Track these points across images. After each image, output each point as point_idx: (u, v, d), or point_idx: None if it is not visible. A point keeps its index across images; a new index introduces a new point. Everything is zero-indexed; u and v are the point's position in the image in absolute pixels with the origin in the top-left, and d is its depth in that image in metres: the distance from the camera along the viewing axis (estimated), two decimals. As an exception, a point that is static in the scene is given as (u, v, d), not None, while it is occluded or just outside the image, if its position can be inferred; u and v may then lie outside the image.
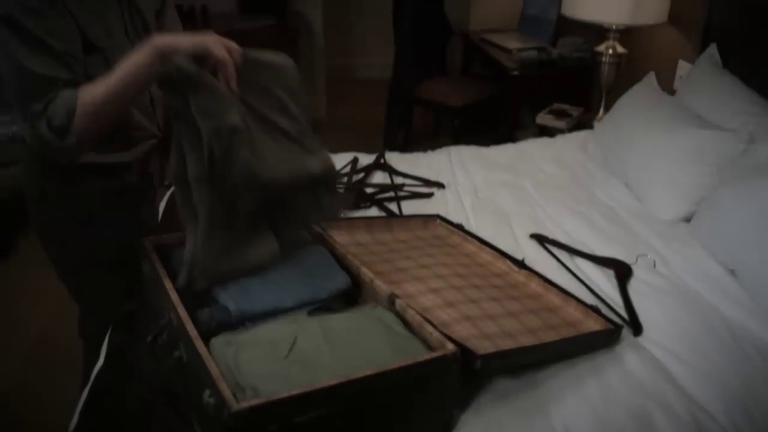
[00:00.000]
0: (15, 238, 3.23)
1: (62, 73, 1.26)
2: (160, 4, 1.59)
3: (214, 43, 1.21)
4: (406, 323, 1.24)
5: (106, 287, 1.67)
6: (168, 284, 1.23)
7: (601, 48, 2.79)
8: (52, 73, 1.25)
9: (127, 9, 1.45)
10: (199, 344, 1.07)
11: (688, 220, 1.93)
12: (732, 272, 1.69)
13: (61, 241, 1.63)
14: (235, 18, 4.34)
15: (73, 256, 1.64)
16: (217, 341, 1.12)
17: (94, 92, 1.25)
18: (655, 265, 1.74)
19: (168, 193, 2.14)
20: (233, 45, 1.26)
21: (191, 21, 4.43)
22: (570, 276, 1.70)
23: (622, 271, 1.71)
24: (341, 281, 1.35)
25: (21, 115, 1.28)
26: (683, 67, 2.59)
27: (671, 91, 2.50)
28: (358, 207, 2.07)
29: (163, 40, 1.22)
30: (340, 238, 1.65)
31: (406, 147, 3.77)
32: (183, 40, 1.21)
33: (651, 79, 2.48)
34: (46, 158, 1.39)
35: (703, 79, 2.27)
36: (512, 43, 3.77)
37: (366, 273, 1.38)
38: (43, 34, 1.24)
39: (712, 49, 2.31)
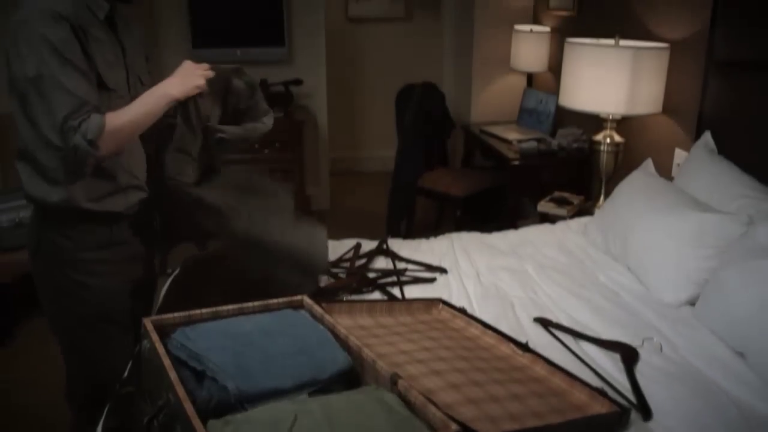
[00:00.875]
0: (16, 325, 3.21)
1: (92, 99, 1.54)
2: (147, 68, 1.89)
3: (200, 79, 1.71)
4: (408, 404, 1.21)
5: (96, 343, 1.75)
6: (167, 363, 1.21)
7: (599, 137, 2.86)
8: (86, 96, 1.53)
9: (128, 67, 1.74)
10: (197, 424, 1.05)
11: (692, 303, 1.92)
12: (740, 354, 1.66)
13: (54, 290, 1.73)
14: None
15: (65, 307, 1.73)
16: (214, 423, 1.09)
17: (120, 119, 1.58)
18: (661, 349, 1.72)
19: (169, 280, 2.15)
20: (205, 70, 1.73)
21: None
22: (575, 359, 1.68)
23: (628, 355, 1.68)
24: (342, 361, 1.33)
25: (55, 129, 1.52)
26: (680, 155, 2.64)
27: (669, 178, 2.54)
28: (360, 292, 2.07)
29: (175, 88, 1.67)
30: (342, 320, 1.64)
31: (408, 236, 3.80)
32: (186, 88, 1.68)
33: (648, 165, 2.53)
34: (45, 210, 1.67)
35: (700, 165, 2.32)
36: (512, 135, 3.87)
37: (368, 354, 1.36)
38: (78, 62, 1.53)
39: (707, 137, 2.37)
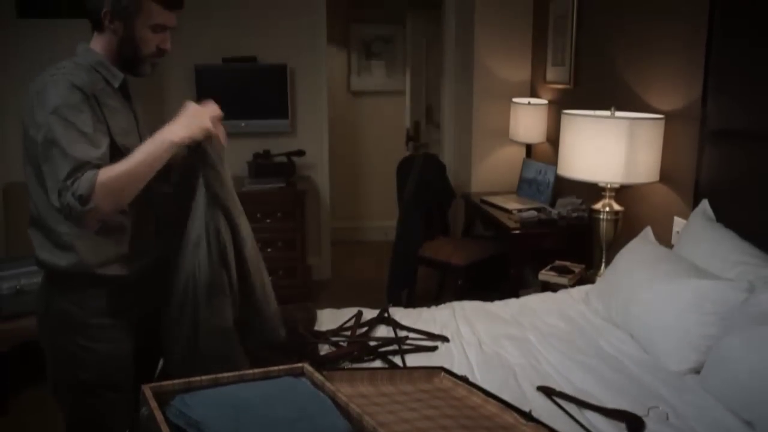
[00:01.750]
0: (14, 395, 3.16)
1: (93, 158, 1.53)
2: None
3: (206, 121, 1.66)
4: (409, 473, 1.18)
5: (99, 409, 1.74)
6: (165, 431, 1.20)
7: (598, 206, 2.89)
8: (86, 158, 1.52)
9: (141, 134, 1.78)
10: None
11: (697, 370, 1.90)
12: (748, 424, 1.63)
13: (60, 355, 1.72)
14: (245, 180, 4.53)
15: (70, 372, 1.73)
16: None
17: (114, 170, 1.53)
18: (668, 418, 1.69)
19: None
20: (214, 110, 1.72)
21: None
22: (580, 429, 1.65)
23: (634, 425, 1.65)
24: (343, 429, 1.31)
25: (54, 192, 1.52)
26: (679, 223, 2.66)
27: (669, 246, 2.55)
28: (361, 360, 2.05)
29: (176, 134, 1.60)
30: (343, 388, 1.62)
31: (410, 305, 3.78)
32: (191, 132, 1.62)
33: (648, 233, 2.55)
34: (55, 275, 1.68)
35: (699, 233, 2.33)
36: (512, 204, 3.90)
37: (369, 422, 1.34)
38: (81, 125, 1.55)
39: (704, 205, 2.40)
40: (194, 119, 1.65)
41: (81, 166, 1.51)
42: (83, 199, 1.48)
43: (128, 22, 1.67)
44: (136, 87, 1.84)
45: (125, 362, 1.78)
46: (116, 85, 1.72)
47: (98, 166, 1.53)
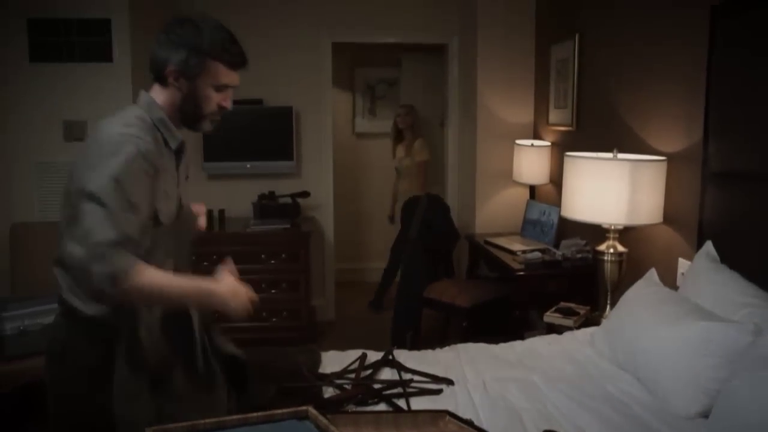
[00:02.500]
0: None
1: (134, 232, 1.53)
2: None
3: (247, 305, 1.69)
4: None
5: None
6: (167, 475, 1.19)
7: (602, 247, 2.89)
8: (128, 232, 1.52)
9: (180, 196, 1.81)
10: None
11: (705, 415, 1.88)
12: (758, 469, 1.60)
13: (70, 397, 1.69)
14: (250, 221, 4.56)
15: (78, 414, 1.69)
16: None
17: (154, 279, 1.55)
18: (675, 463, 1.66)
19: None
20: (252, 295, 1.72)
21: (209, 222, 4.67)
22: (587, 474, 1.62)
23: (641, 470, 1.63)
24: (347, 474, 1.30)
25: (83, 246, 1.49)
26: (683, 264, 2.66)
27: (674, 287, 2.55)
28: (366, 403, 2.03)
29: (219, 304, 1.65)
30: (347, 432, 1.61)
31: (414, 347, 3.76)
32: (233, 309, 1.66)
33: (652, 274, 2.55)
34: (77, 317, 1.64)
35: (703, 275, 2.33)
36: (516, 246, 3.91)
37: (373, 466, 1.33)
38: (135, 196, 1.55)
39: (708, 246, 2.40)
40: (239, 300, 1.68)
41: (122, 242, 1.50)
42: (113, 280, 1.47)
43: (193, 81, 1.69)
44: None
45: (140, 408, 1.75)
46: (173, 147, 1.74)
47: (137, 248, 1.53)
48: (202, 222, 2.04)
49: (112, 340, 1.67)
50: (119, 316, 1.65)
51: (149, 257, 1.60)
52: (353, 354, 2.46)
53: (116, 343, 1.67)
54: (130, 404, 1.69)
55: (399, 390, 2.13)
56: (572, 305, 3.14)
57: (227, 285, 1.68)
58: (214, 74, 1.69)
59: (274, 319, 4.42)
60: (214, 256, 4.32)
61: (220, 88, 1.72)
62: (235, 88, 1.76)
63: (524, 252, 3.72)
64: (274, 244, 4.40)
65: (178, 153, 1.79)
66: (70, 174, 1.62)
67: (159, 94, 1.73)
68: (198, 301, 1.68)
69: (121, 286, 1.48)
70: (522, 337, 2.85)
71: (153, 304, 1.65)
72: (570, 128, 3.97)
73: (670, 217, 2.78)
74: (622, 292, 2.60)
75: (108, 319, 1.65)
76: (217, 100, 1.74)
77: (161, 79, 1.71)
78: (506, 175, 4.56)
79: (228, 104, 1.77)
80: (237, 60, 1.73)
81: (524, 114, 4.66)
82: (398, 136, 5.48)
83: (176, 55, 1.66)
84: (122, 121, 1.62)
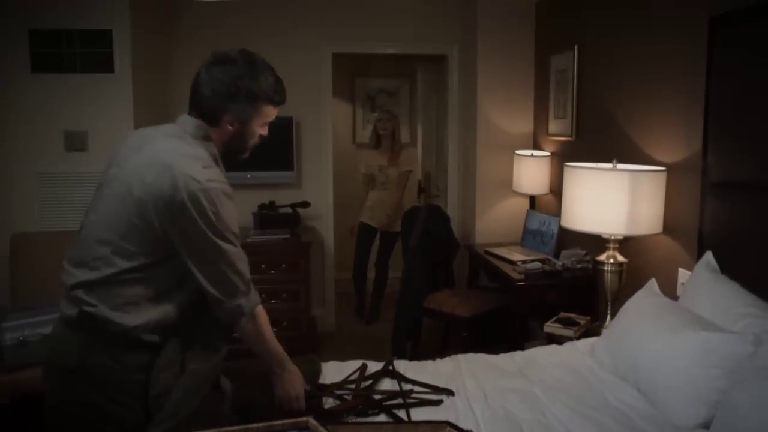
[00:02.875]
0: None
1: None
2: None
3: (300, 404, 1.97)
4: None
5: None
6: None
7: (603, 257, 2.89)
8: (248, 274, 1.84)
9: None
10: None
11: (706, 425, 1.87)
12: (759, 481, 1.60)
13: (78, 411, 1.70)
14: (250, 231, 4.56)
15: (93, 425, 1.70)
16: None
17: (264, 328, 1.93)
18: (676, 474, 1.66)
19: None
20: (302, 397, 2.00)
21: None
22: (588, 486, 1.62)
23: (642, 481, 1.62)
24: (347, 486, 1.30)
25: (225, 292, 1.78)
26: (683, 274, 2.66)
27: (674, 297, 2.55)
28: (366, 414, 2.03)
29: (289, 375, 1.99)
30: (347, 443, 1.61)
31: (414, 358, 3.76)
32: (290, 385, 1.98)
33: (652, 285, 2.55)
34: (96, 331, 1.68)
35: (704, 285, 2.33)
36: (516, 256, 3.91)
37: (373, 478, 1.33)
38: (237, 239, 1.81)
39: (708, 256, 2.40)
40: (297, 387, 1.99)
41: (249, 282, 1.83)
42: (246, 314, 1.82)
43: (246, 123, 1.83)
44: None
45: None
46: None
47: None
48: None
49: (132, 346, 1.71)
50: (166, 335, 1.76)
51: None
52: (353, 364, 2.46)
53: (135, 350, 1.72)
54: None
55: (399, 401, 2.13)
56: (572, 315, 3.14)
57: (297, 371, 2.00)
58: (265, 115, 1.87)
59: (273, 329, 4.37)
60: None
61: (266, 125, 1.90)
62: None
63: (524, 262, 3.72)
64: (275, 254, 4.40)
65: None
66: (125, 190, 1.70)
67: (210, 131, 1.81)
68: (273, 363, 1.96)
69: (245, 319, 1.83)
70: (522, 348, 2.84)
71: (252, 344, 1.91)
72: (570, 138, 3.98)
73: (670, 227, 2.78)
74: (622, 303, 2.60)
75: (135, 331, 1.69)
76: (259, 133, 1.90)
77: (214, 123, 1.80)
78: (506, 186, 4.57)
79: (266, 132, 1.93)
80: (284, 100, 1.91)
81: (524, 124, 4.68)
82: (377, 143, 5.25)
83: (234, 105, 1.78)
84: (197, 166, 1.70)
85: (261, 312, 1.88)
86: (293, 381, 1.98)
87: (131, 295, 1.69)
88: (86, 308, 1.67)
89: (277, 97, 1.86)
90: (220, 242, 1.71)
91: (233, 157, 1.90)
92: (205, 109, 1.78)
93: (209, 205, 1.67)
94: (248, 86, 1.77)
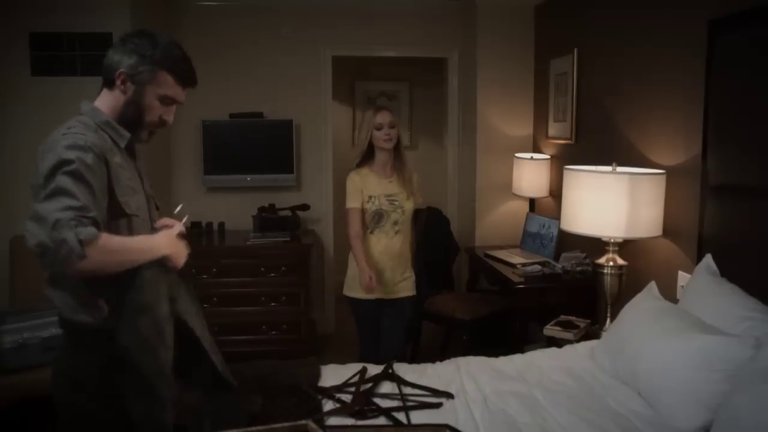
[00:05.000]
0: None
1: (93, 212, 1.54)
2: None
3: (183, 255, 1.75)
4: None
5: None
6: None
7: (602, 260, 2.89)
8: (90, 204, 1.54)
9: (146, 192, 1.84)
10: None
11: (706, 429, 1.87)
12: (759, 484, 1.60)
13: (76, 415, 1.69)
14: (249, 234, 4.56)
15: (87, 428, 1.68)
16: None
17: (112, 241, 1.57)
18: (677, 478, 1.65)
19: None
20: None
21: (209, 235, 4.68)
22: (588, 489, 1.61)
23: (642, 484, 1.62)
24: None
25: (50, 223, 1.48)
26: (683, 277, 2.66)
27: (674, 301, 2.54)
28: (365, 417, 2.03)
29: (167, 249, 1.69)
30: (347, 446, 1.60)
31: (414, 361, 3.75)
32: (174, 256, 1.71)
33: (652, 288, 2.54)
34: (79, 332, 1.66)
35: (703, 288, 2.33)
36: (516, 259, 3.91)
37: (372, 481, 1.32)
38: (91, 179, 1.57)
39: (708, 260, 2.40)
40: (179, 249, 1.75)
41: (88, 211, 1.52)
42: (82, 245, 1.48)
43: (140, 87, 1.73)
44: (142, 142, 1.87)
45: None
46: (122, 144, 1.75)
47: (97, 222, 1.54)
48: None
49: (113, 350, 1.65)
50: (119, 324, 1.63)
51: None
52: (353, 367, 2.45)
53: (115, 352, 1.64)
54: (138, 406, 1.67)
55: (399, 404, 2.12)
56: (572, 318, 3.14)
57: (163, 236, 1.73)
58: (161, 84, 1.73)
59: (273, 332, 4.40)
60: (214, 269, 4.32)
61: (165, 100, 1.76)
62: (179, 105, 1.80)
63: (524, 265, 3.72)
64: (274, 257, 4.39)
65: (131, 152, 1.82)
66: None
67: (103, 99, 1.77)
68: (149, 253, 1.66)
69: (89, 254, 1.48)
70: (522, 351, 2.84)
71: (111, 266, 1.58)
72: (569, 141, 3.98)
73: (669, 230, 2.78)
74: (622, 305, 2.60)
75: (108, 323, 1.64)
76: (159, 112, 1.77)
77: (109, 83, 1.75)
78: (506, 188, 4.57)
79: (170, 119, 1.80)
80: (186, 76, 1.77)
81: (524, 127, 4.68)
82: (369, 155, 3.32)
83: (128, 60, 1.71)
84: (63, 128, 1.66)
85: (103, 237, 1.54)
86: (164, 245, 1.71)
87: (85, 290, 1.68)
88: (61, 313, 1.72)
89: (178, 69, 1.75)
90: (63, 179, 1.54)
91: (131, 130, 1.76)
92: (103, 71, 1.76)
93: (66, 150, 1.58)
94: (146, 45, 1.72)
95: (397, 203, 3.24)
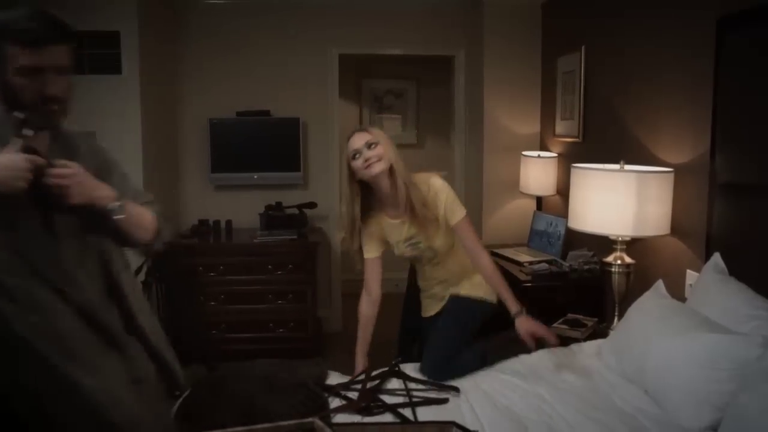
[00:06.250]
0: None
1: None
2: None
3: (19, 177, 1.43)
4: None
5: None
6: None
7: (610, 259, 2.88)
8: None
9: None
10: None
11: (714, 428, 1.86)
12: (767, 484, 1.59)
13: None
14: (257, 232, 4.57)
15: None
16: None
17: None
18: (684, 477, 1.65)
19: (179, 402, 2.12)
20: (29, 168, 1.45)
21: (216, 233, 4.69)
22: (594, 487, 1.61)
23: (649, 483, 1.62)
24: (353, 486, 1.30)
25: None
26: (692, 276, 2.65)
27: (682, 299, 2.53)
28: (372, 413, 2.03)
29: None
30: (353, 443, 1.61)
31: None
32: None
33: (660, 286, 2.53)
34: None
35: (711, 287, 2.32)
36: (523, 257, 3.90)
37: (379, 478, 1.33)
38: None
39: (716, 258, 2.39)
40: (12, 170, 1.44)
41: None
42: None
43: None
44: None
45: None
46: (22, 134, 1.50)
47: None
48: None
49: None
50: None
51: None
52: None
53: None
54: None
55: (405, 400, 2.13)
56: (579, 317, 3.13)
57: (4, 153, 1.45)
58: (11, 58, 1.48)
59: (280, 330, 4.41)
60: (221, 267, 4.34)
61: (25, 71, 1.50)
62: (59, 71, 1.54)
63: (531, 263, 3.72)
64: (281, 255, 4.40)
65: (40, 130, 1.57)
66: None
67: None
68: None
69: None
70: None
71: None
72: (577, 140, 3.97)
73: (677, 228, 2.77)
74: (629, 304, 2.59)
75: None
76: (32, 88, 1.51)
77: None
78: (513, 187, 4.56)
79: (51, 90, 1.53)
80: (31, 34, 1.49)
81: (531, 125, 4.67)
82: (362, 192, 2.70)
83: None
84: None
85: None
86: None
87: None
88: None
89: (18, 32, 1.48)
90: None
91: (17, 111, 1.52)
92: None
93: None
94: None
95: (421, 246, 2.68)
